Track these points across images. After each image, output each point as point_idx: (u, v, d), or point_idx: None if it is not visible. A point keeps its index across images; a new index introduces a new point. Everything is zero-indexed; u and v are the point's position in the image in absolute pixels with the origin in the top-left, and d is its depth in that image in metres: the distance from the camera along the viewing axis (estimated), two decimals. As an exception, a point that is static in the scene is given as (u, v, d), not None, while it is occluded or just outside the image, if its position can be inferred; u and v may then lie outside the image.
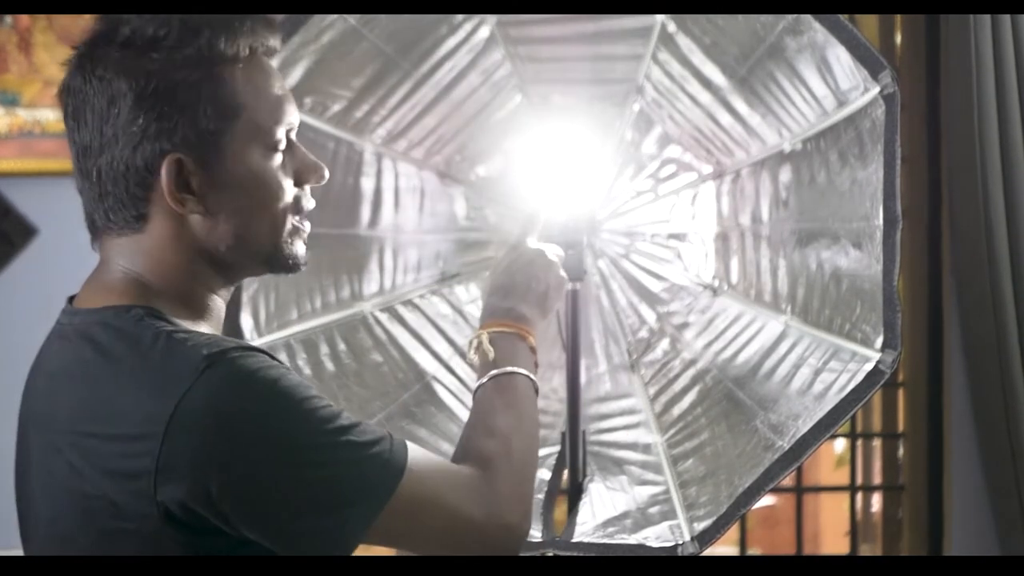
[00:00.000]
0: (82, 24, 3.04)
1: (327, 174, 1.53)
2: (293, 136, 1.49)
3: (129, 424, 1.30)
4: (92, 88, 1.37)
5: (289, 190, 1.48)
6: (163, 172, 1.38)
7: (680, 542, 2.34)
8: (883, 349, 2.26)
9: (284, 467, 1.31)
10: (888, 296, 2.24)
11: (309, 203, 1.52)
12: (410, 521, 1.37)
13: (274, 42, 1.49)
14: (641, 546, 2.36)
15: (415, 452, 1.40)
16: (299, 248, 1.51)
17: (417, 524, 1.38)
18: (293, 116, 1.48)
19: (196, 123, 1.38)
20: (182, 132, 1.38)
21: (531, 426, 1.64)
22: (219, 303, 1.50)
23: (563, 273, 1.96)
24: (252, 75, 1.43)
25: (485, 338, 1.72)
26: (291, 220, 1.49)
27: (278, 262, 1.49)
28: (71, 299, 1.49)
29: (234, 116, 1.40)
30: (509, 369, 1.67)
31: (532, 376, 1.71)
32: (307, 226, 1.53)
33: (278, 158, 1.46)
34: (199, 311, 1.45)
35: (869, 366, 2.28)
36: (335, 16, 2.24)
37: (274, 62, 1.50)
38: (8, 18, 3.01)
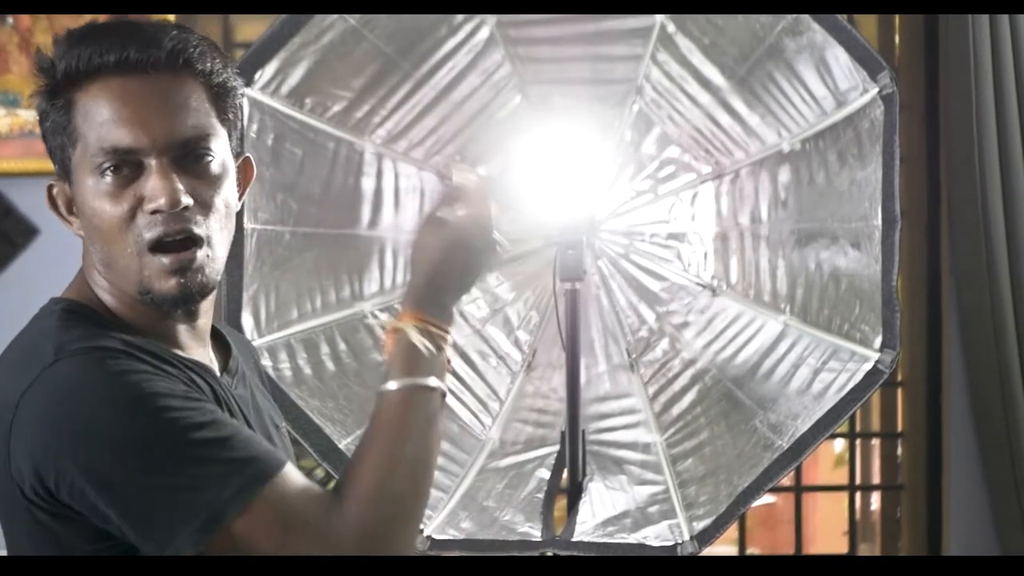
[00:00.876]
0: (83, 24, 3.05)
1: (163, 203, 1.36)
2: (149, 160, 1.37)
3: (2, 402, 1.35)
4: None
5: (124, 217, 1.37)
6: (46, 197, 1.45)
7: (679, 541, 2.35)
8: (882, 349, 2.27)
9: (118, 469, 1.28)
10: (887, 296, 2.25)
11: (151, 232, 1.37)
12: (249, 545, 1.29)
13: (134, 54, 1.36)
14: (641, 545, 2.37)
15: (283, 479, 1.30)
16: (166, 285, 1.39)
17: (257, 548, 1.30)
18: (133, 139, 1.37)
19: (55, 152, 1.41)
20: (56, 160, 1.42)
21: (426, 451, 1.41)
22: (161, 322, 1.44)
23: (496, 237, 1.57)
24: (92, 98, 1.38)
25: (414, 334, 1.42)
26: (146, 253, 1.38)
27: (148, 297, 1.40)
28: None
29: (74, 143, 1.39)
30: (424, 383, 1.41)
31: (445, 389, 1.47)
32: (178, 260, 1.39)
33: (111, 185, 1.37)
34: (132, 314, 1.43)
35: (868, 366, 2.29)
36: (335, 16, 2.24)
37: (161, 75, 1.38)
38: (9, 18, 3.01)
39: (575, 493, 2.39)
